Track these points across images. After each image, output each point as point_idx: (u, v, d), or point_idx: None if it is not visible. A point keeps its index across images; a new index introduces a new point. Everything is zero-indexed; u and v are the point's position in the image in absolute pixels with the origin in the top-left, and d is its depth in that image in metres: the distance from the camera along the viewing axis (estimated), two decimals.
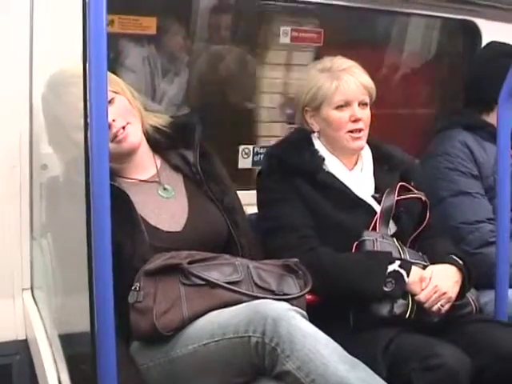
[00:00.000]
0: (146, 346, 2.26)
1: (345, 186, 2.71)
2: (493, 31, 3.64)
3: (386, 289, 2.48)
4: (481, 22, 3.72)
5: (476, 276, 2.68)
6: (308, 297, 2.38)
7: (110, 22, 3.00)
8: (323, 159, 2.73)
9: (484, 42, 3.66)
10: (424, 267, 2.59)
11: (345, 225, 2.63)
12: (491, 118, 3.21)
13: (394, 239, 2.63)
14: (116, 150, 2.38)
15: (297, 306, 2.16)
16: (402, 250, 2.60)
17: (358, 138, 2.72)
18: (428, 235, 2.75)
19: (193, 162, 2.59)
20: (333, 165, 2.74)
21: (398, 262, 2.51)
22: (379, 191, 2.74)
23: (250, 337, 2.05)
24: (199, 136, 2.61)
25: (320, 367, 2.00)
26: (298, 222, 2.64)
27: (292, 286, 2.32)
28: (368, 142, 2.80)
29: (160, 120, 2.61)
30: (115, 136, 2.40)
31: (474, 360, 2.28)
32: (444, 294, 2.52)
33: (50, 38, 2.53)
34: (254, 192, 2.80)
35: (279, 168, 2.72)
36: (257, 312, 2.07)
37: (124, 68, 3.42)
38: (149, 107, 2.71)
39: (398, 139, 3.38)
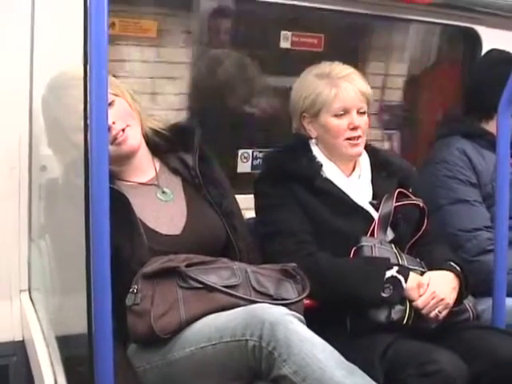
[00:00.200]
0: (143, 348, 2.26)
1: (342, 192, 2.71)
2: (493, 38, 3.64)
3: (383, 294, 2.47)
4: (481, 30, 3.73)
5: (473, 283, 2.68)
6: (306, 302, 2.38)
7: (111, 25, 3.01)
8: (321, 165, 2.73)
9: (484, 50, 3.67)
10: (422, 273, 2.58)
11: (343, 231, 2.63)
12: (490, 126, 3.21)
13: (392, 245, 2.63)
14: (115, 152, 2.38)
15: (294, 311, 2.16)
16: (400, 256, 2.60)
17: (356, 145, 2.72)
18: (426, 241, 2.75)
19: (192, 165, 2.59)
20: (330, 171, 2.74)
21: (395, 268, 2.51)
22: (377, 197, 2.73)
23: (247, 340, 2.05)
24: (198, 139, 2.61)
25: (317, 372, 2.00)
26: (296, 228, 2.64)
27: (290, 291, 2.32)
28: (366, 149, 2.80)
29: (160, 123, 2.61)
30: (115, 138, 2.40)
31: (471, 367, 2.28)
32: (442, 300, 2.52)
33: (51, 40, 2.53)
34: (253, 196, 2.79)
35: (277, 173, 2.72)
36: (254, 316, 2.08)
37: None
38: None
39: None
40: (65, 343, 2.42)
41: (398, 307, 2.50)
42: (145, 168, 2.56)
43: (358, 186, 2.76)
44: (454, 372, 2.21)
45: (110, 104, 2.36)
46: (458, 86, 3.97)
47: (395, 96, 4.32)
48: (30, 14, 2.54)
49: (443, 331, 2.53)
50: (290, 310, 2.15)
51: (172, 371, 2.19)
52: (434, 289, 2.52)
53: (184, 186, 2.60)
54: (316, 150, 2.77)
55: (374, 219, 2.67)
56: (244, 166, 3.61)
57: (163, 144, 2.60)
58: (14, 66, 2.57)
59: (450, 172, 3.19)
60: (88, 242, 1.89)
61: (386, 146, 4.27)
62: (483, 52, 3.66)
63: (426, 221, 2.74)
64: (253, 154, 3.62)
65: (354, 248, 2.59)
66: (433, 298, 2.51)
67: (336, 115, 2.71)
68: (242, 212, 2.72)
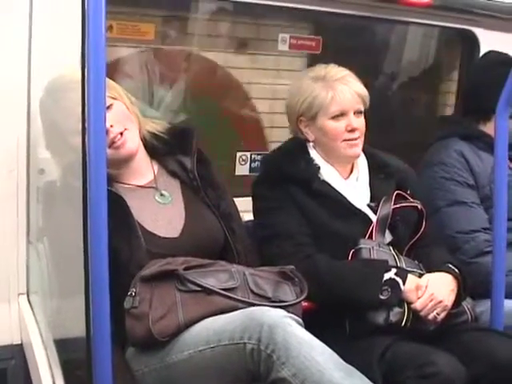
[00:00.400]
0: (141, 351, 2.26)
1: (340, 194, 2.71)
2: (491, 41, 3.65)
3: (381, 297, 2.47)
4: (479, 32, 3.73)
5: (471, 285, 2.68)
6: (304, 304, 2.38)
7: (109, 28, 3.00)
8: (318, 168, 2.73)
9: (482, 52, 3.67)
10: (420, 275, 2.59)
11: (341, 233, 2.64)
12: (488, 128, 3.21)
13: (390, 247, 2.63)
14: (113, 155, 2.38)
15: (293, 313, 2.16)
16: (398, 259, 2.60)
17: (355, 145, 2.73)
18: (424, 244, 2.75)
19: (190, 168, 2.59)
20: (328, 173, 2.74)
21: (394, 270, 2.51)
22: (375, 200, 2.73)
23: (245, 343, 2.05)
24: (196, 142, 2.61)
25: (315, 374, 2.00)
26: (294, 230, 2.64)
27: (288, 293, 2.32)
28: (363, 151, 2.80)
29: (158, 126, 2.61)
30: (113, 142, 2.40)
31: (470, 369, 2.28)
32: (440, 302, 2.52)
33: (49, 43, 2.53)
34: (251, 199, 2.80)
35: (275, 176, 2.72)
36: (252, 319, 2.08)
37: None
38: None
39: None
40: (63, 346, 2.42)
41: (397, 309, 2.50)
42: (143, 171, 2.56)
43: (355, 188, 2.76)
44: (452, 374, 2.21)
45: (108, 107, 2.36)
46: None
47: None
48: (28, 17, 2.55)
49: (441, 333, 2.53)
50: (289, 312, 2.15)
51: (170, 374, 2.19)
52: (433, 291, 2.52)
53: (182, 188, 2.60)
54: (314, 153, 2.77)
55: (372, 221, 2.67)
56: (242, 169, 3.61)
57: (161, 147, 2.60)
58: (11, 69, 2.57)
59: (448, 174, 3.18)
60: (86, 245, 1.88)
61: None
62: (481, 54, 3.67)
63: (424, 223, 2.74)
64: (251, 157, 3.62)
65: (353, 250, 2.60)
66: (431, 300, 2.51)
67: (333, 118, 2.70)
68: (241, 214, 2.72)
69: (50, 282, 2.52)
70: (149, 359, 2.23)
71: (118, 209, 2.30)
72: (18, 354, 2.65)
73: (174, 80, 3.54)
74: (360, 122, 2.73)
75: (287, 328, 2.04)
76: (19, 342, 2.67)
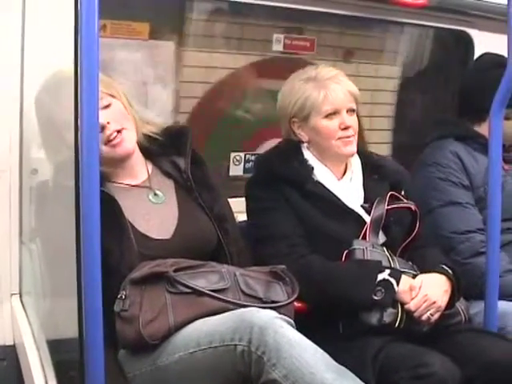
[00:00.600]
0: (132, 354, 2.25)
1: (334, 195, 2.71)
2: (486, 42, 3.65)
3: (375, 297, 2.47)
4: (474, 33, 3.73)
5: (465, 285, 2.68)
6: (297, 305, 2.37)
7: (103, 27, 3.00)
8: (312, 168, 2.73)
9: (477, 53, 3.68)
10: (414, 276, 2.58)
11: (334, 234, 2.63)
12: (483, 129, 3.21)
13: (384, 248, 2.63)
14: (109, 154, 2.38)
15: (284, 314, 2.16)
16: (392, 259, 2.60)
17: (349, 143, 2.72)
18: (418, 245, 2.74)
19: (184, 168, 2.59)
20: (322, 174, 2.74)
21: (387, 271, 2.51)
22: (369, 201, 2.73)
23: (236, 345, 2.04)
24: (191, 143, 2.61)
25: (307, 376, 1.99)
26: (288, 231, 2.64)
27: (279, 293, 2.31)
28: (357, 152, 2.79)
29: (153, 128, 2.60)
30: (109, 140, 2.40)
31: (463, 370, 2.27)
32: (434, 303, 2.51)
33: (42, 43, 2.52)
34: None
35: (268, 177, 2.71)
36: (243, 320, 2.07)
37: None
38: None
39: None
40: (56, 347, 2.41)
41: (390, 310, 2.49)
42: (137, 170, 2.55)
43: (349, 189, 2.75)
44: (446, 375, 2.21)
45: (108, 106, 2.38)
46: None
47: None
48: (21, 16, 2.54)
49: (435, 334, 2.53)
50: (280, 313, 2.14)
51: (162, 377, 2.18)
52: (426, 292, 2.52)
53: (176, 188, 2.59)
54: (307, 154, 2.77)
55: (365, 222, 2.66)
56: (236, 169, 3.61)
57: (156, 148, 2.60)
58: (4, 68, 2.57)
59: (443, 174, 3.18)
60: (78, 245, 1.88)
61: None
62: (476, 55, 3.67)
63: (418, 224, 2.74)
64: (245, 157, 3.62)
65: (346, 251, 2.59)
66: (425, 301, 2.50)
67: (326, 117, 2.70)
68: (235, 215, 2.72)
69: (42, 282, 2.52)
70: (140, 362, 2.22)
71: (110, 209, 2.28)
72: (10, 354, 2.65)
73: None
74: (353, 120, 2.73)
75: (278, 329, 2.03)
76: (12, 343, 2.66)
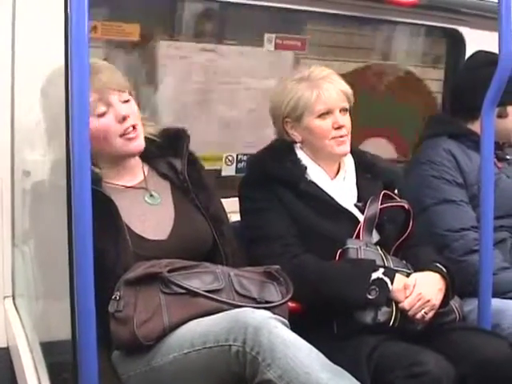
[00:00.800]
0: (126, 355, 2.24)
1: (327, 195, 2.71)
2: (477, 40, 3.66)
3: (369, 296, 2.47)
4: (465, 31, 3.74)
5: (460, 283, 2.68)
6: (292, 305, 2.37)
7: (93, 28, 3.00)
8: (305, 168, 2.73)
9: (468, 51, 3.68)
10: (408, 275, 2.58)
11: (328, 234, 2.63)
12: (476, 127, 3.21)
13: (378, 247, 2.63)
14: (123, 147, 2.41)
15: (279, 314, 2.16)
16: (386, 258, 2.60)
17: (343, 142, 2.72)
18: (411, 243, 2.75)
19: (180, 169, 2.59)
20: (315, 174, 2.74)
21: (381, 270, 2.51)
22: (362, 200, 2.73)
23: (230, 345, 2.03)
24: (188, 145, 2.61)
25: (302, 376, 1.98)
26: (282, 231, 2.64)
27: (274, 293, 2.31)
28: (351, 151, 2.79)
29: (151, 129, 2.60)
30: (125, 132, 2.41)
31: (458, 368, 2.29)
32: (428, 301, 2.52)
33: (32, 44, 2.51)
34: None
35: (261, 177, 2.71)
36: (237, 320, 2.06)
37: None
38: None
39: None
40: (49, 349, 2.40)
41: (385, 309, 2.49)
42: (134, 171, 2.55)
43: (342, 188, 2.76)
44: (440, 373, 2.22)
45: (127, 101, 2.43)
46: None
47: None
48: (11, 19, 2.53)
49: (429, 333, 2.53)
50: (274, 313, 2.14)
51: (156, 377, 2.17)
52: (420, 290, 2.52)
53: (172, 190, 2.59)
54: (300, 153, 2.77)
55: (359, 221, 2.67)
56: (228, 170, 3.61)
57: (153, 149, 2.60)
58: None
59: (437, 172, 3.18)
60: (71, 246, 1.88)
61: None
62: (467, 53, 3.68)
63: (411, 222, 2.74)
64: (237, 157, 3.61)
65: (340, 250, 2.59)
66: (419, 300, 2.50)
67: (319, 116, 2.70)
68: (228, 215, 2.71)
69: (35, 284, 2.51)
70: (134, 362, 2.21)
71: (107, 210, 2.29)
72: (3, 357, 2.63)
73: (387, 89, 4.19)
74: (346, 120, 2.74)
75: (272, 329, 2.03)
76: (5, 346, 2.65)
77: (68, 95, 1.83)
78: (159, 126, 2.70)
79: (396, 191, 2.83)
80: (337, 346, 2.34)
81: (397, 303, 2.51)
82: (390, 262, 2.59)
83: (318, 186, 2.72)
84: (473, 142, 3.20)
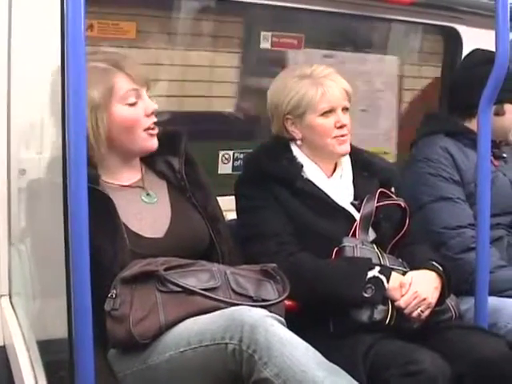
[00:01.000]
0: (123, 353, 2.24)
1: (324, 193, 2.71)
2: (474, 38, 3.66)
3: (365, 295, 2.47)
4: (462, 29, 3.74)
5: (456, 281, 2.68)
6: (288, 303, 2.37)
7: (90, 27, 2.99)
8: (301, 166, 2.73)
9: (465, 49, 3.69)
10: (404, 273, 2.58)
11: (324, 232, 2.63)
12: (473, 125, 3.21)
13: (374, 245, 2.63)
14: (145, 141, 2.45)
15: (275, 312, 2.16)
16: (382, 256, 2.60)
17: (344, 142, 2.72)
18: (408, 241, 2.75)
19: (178, 168, 2.59)
20: (311, 172, 2.74)
21: (377, 268, 2.51)
22: (358, 198, 2.73)
23: (226, 344, 2.03)
24: (185, 144, 2.61)
25: (298, 374, 1.98)
26: (278, 229, 2.64)
27: (270, 292, 2.31)
28: None
29: None
30: (149, 127, 2.45)
31: (454, 366, 2.29)
32: (424, 299, 2.52)
33: (28, 43, 2.50)
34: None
35: (257, 175, 2.71)
36: (234, 319, 2.06)
37: None
38: None
39: None
40: (46, 348, 2.40)
41: (381, 307, 2.49)
42: (133, 170, 2.55)
43: (339, 186, 2.76)
44: (436, 372, 2.22)
45: (150, 98, 2.47)
46: None
47: None
48: (7, 17, 2.52)
49: (426, 331, 2.53)
50: (271, 311, 2.15)
51: (152, 376, 2.17)
52: (416, 288, 2.52)
53: (169, 188, 2.59)
54: (296, 151, 2.77)
55: (355, 220, 2.67)
56: (225, 168, 3.61)
57: None
58: None
59: (433, 170, 3.18)
60: (67, 244, 1.88)
61: None
62: (464, 51, 3.68)
63: (407, 221, 2.74)
64: (233, 156, 3.61)
65: (336, 249, 2.59)
66: (415, 298, 2.51)
67: (322, 114, 2.70)
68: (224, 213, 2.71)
69: (32, 283, 2.51)
70: (131, 361, 2.21)
71: (105, 208, 2.29)
72: (0, 355, 2.63)
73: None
74: (347, 119, 2.74)
75: (269, 328, 2.03)
76: (2, 344, 2.64)
77: (64, 94, 1.83)
78: None
79: (393, 189, 2.83)
80: (333, 344, 2.34)
81: (393, 301, 2.51)
82: (386, 261, 2.59)
83: (314, 184, 2.72)
84: (470, 139, 3.20)
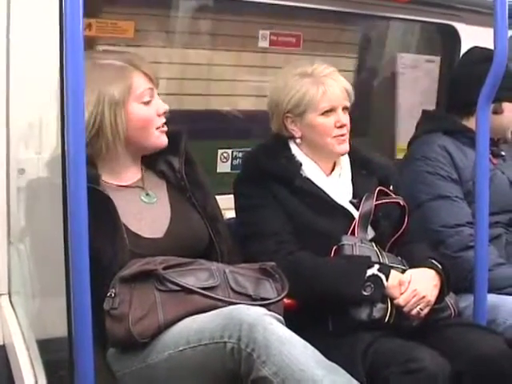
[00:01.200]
0: (122, 352, 2.24)
1: (323, 191, 2.71)
2: (472, 36, 3.66)
3: (364, 293, 2.47)
4: (460, 27, 3.74)
5: (455, 279, 2.68)
6: (287, 301, 2.37)
7: (88, 26, 2.99)
8: (300, 164, 2.73)
9: (463, 47, 3.69)
10: (403, 271, 2.59)
11: (323, 230, 2.63)
12: (471, 123, 3.21)
13: (373, 244, 2.63)
14: (158, 139, 2.48)
15: (274, 311, 2.16)
16: (381, 255, 2.60)
17: (343, 141, 2.72)
18: (406, 240, 2.75)
19: (178, 168, 2.59)
20: (310, 170, 2.74)
21: (376, 266, 2.51)
22: (357, 196, 2.73)
23: (225, 342, 2.04)
24: (185, 144, 2.61)
25: (297, 372, 1.98)
26: (277, 227, 2.64)
27: (269, 290, 2.31)
28: None
29: None
30: (161, 126, 2.48)
31: (453, 364, 2.29)
32: (423, 297, 2.52)
33: (27, 42, 2.50)
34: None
35: (256, 173, 2.71)
36: (232, 317, 2.06)
37: None
38: None
39: None
40: (45, 347, 2.41)
41: (380, 305, 2.50)
42: (133, 170, 2.55)
43: (338, 184, 2.76)
44: (435, 369, 2.22)
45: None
46: None
47: None
48: (6, 16, 2.52)
49: (425, 329, 2.54)
50: (269, 310, 2.15)
51: (151, 375, 2.18)
52: (415, 286, 2.52)
53: (168, 188, 2.60)
54: (295, 149, 2.77)
55: (354, 218, 2.67)
56: (224, 166, 3.61)
57: None
58: None
59: (432, 168, 3.19)
60: (66, 243, 1.88)
61: None
62: (462, 49, 3.68)
63: (406, 219, 2.74)
64: (232, 154, 3.61)
65: (335, 247, 2.59)
66: (414, 296, 2.51)
67: (323, 114, 2.70)
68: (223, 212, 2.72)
69: (31, 282, 2.51)
70: (130, 360, 2.21)
71: (105, 209, 2.29)
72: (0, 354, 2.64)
73: None
74: (347, 119, 2.73)
75: (267, 326, 2.03)
76: (1, 343, 2.64)
77: (63, 93, 1.83)
78: None
79: (391, 187, 2.83)
80: (332, 342, 2.34)
81: (392, 299, 2.51)
82: (385, 259, 2.60)
83: (313, 182, 2.72)
84: (468, 138, 3.20)
